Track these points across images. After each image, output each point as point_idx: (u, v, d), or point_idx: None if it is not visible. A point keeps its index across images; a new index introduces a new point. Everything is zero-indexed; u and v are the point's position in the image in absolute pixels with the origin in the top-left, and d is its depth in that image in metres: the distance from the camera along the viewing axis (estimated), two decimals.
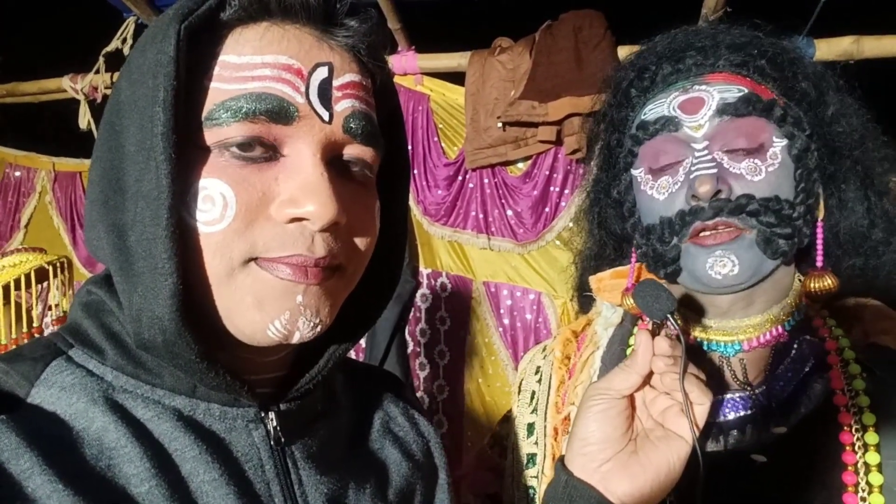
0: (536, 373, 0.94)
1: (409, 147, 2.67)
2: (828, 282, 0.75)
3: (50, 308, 1.97)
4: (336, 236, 0.49)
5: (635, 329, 0.87)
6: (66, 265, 1.97)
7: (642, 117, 0.81)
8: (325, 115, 0.49)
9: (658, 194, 0.77)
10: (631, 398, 0.69)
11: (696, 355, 0.77)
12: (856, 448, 0.67)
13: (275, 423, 0.53)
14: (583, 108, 2.26)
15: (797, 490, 0.69)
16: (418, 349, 2.88)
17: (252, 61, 0.47)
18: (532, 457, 0.88)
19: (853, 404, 0.69)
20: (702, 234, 0.73)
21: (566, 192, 2.61)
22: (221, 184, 0.46)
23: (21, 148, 3.49)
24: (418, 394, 2.81)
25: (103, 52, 2.86)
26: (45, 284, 1.93)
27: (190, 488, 0.46)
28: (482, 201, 2.75)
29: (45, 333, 0.60)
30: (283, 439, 0.53)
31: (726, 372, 0.78)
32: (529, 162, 2.66)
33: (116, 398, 0.48)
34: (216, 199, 0.45)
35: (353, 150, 0.51)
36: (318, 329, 0.51)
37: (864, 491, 0.66)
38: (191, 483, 0.47)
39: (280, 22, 0.48)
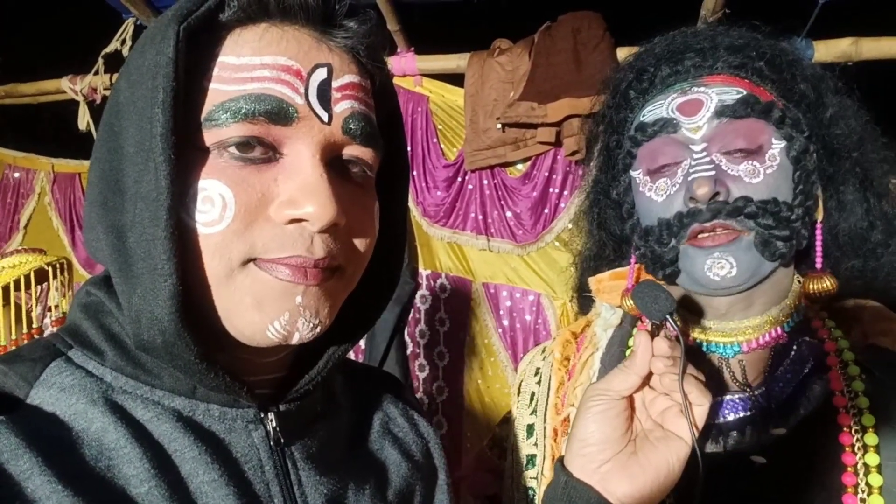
0: (536, 374, 0.94)
1: (409, 148, 2.66)
2: (827, 283, 0.75)
3: (49, 309, 1.97)
4: (335, 237, 0.49)
5: (634, 330, 0.87)
6: (65, 266, 1.97)
7: (641, 119, 0.81)
8: (325, 116, 0.49)
9: (656, 196, 0.77)
10: (630, 399, 0.69)
11: (695, 356, 0.77)
12: (855, 449, 0.67)
13: (274, 424, 0.53)
14: (582, 109, 2.26)
15: (796, 491, 0.69)
16: (418, 350, 2.88)
17: (251, 62, 0.47)
18: (531, 458, 0.88)
19: (852, 405, 0.70)
20: (700, 236, 0.73)
21: (565, 193, 2.61)
22: (220, 185, 0.46)
23: (20, 149, 3.49)
24: (417, 395, 2.81)
25: (102, 53, 2.86)
26: (44, 285, 1.93)
27: (189, 489, 0.46)
28: (481, 202, 2.76)
29: (45, 334, 0.60)
30: (282, 440, 0.53)
31: (725, 373, 0.78)
32: (529, 163, 2.66)
33: (116, 399, 0.48)
34: (215, 200, 0.45)
35: (352, 151, 0.51)
36: (318, 330, 0.51)
37: (863, 492, 0.66)
38: (190, 484, 0.47)
39: (279, 23, 0.48)
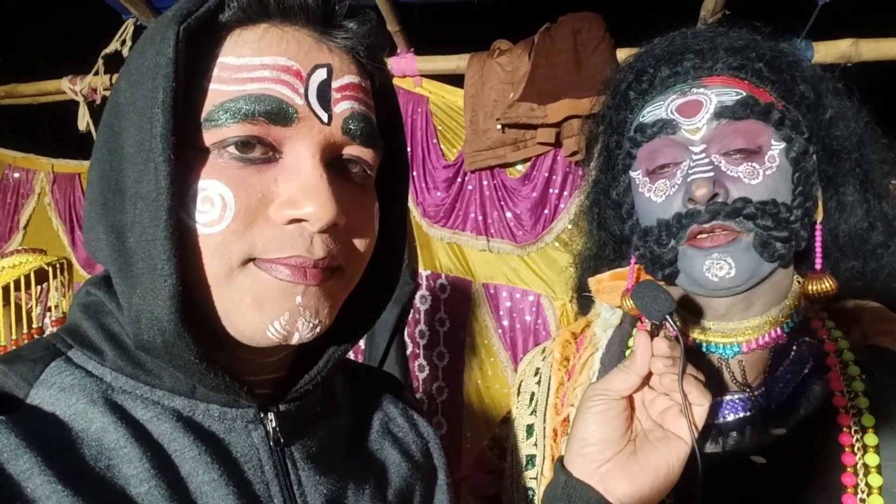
0: (536, 374, 0.94)
1: (409, 149, 2.67)
2: (827, 284, 0.75)
3: (49, 309, 1.97)
4: (335, 237, 0.49)
5: (634, 330, 0.87)
6: (65, 266, 1.97)
7: (640, 120, 0.81)
8: (325, 117, 0.49)
9: (655, 197, 0.77)
10: (630, 399, 0.69)
11: (694, 357, 0.77)
12: (855, 449, 0.67)
13: (274, 424, 0.53)
14: (582, 110, 2.26)
15: (796, 491, 0.69)
16: (417, 351, 2.88)
17: (251, 63, 0.47)
18: (531, 458, 0.88)
19: (852, 406, 0.70)
20: (699, 237, 0.73)
21: (565, 194, 2.62)
22: (220, 185, 0.46)
23: (20, 149, 3.49)
24: (417, 395, 2.81)
25: (102, 53, 2.86)
26: (44, 285, 1.93)
27: (189, 489, 0.46)
28: (481, 203, 2.76)
29: (45, 334, 0.60)
30: (282, 440, 0.53)
31: (725, 373, 0.78)
32: (528, 164, 2.67)
33: (116, 399, 0.48)
34: (215, 201, 0.45)
35: (352, 152, 0.51)
36: (318, 330, 0.51)
37: (863, 492, 0.66)
38: (190, 483, 0.47)
39: (279, 23, 0.49)
